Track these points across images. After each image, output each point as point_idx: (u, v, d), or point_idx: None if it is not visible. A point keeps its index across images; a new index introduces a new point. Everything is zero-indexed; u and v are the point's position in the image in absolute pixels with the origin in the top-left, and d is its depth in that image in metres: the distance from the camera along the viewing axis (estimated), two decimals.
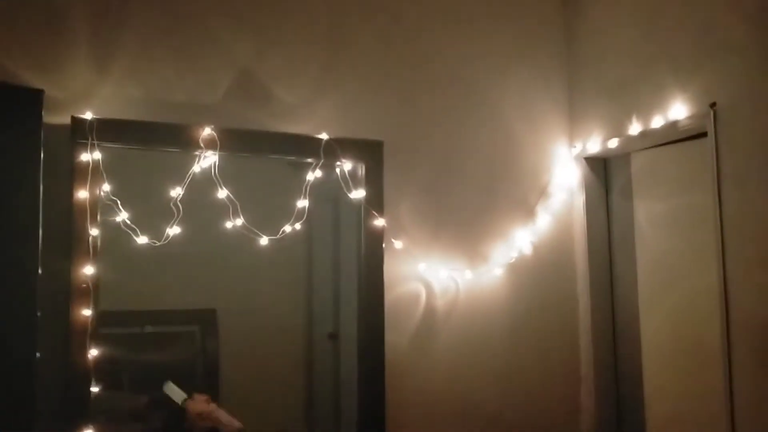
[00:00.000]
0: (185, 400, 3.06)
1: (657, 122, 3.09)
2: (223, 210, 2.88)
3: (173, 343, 3.40)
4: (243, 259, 3.23)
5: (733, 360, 2.85)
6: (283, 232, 2.98)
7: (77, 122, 2.63)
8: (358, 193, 3.10)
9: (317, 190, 3.16)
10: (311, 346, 3.53)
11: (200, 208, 2.89)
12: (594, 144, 3.46)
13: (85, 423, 2.58)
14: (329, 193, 3.17)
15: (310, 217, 3.42)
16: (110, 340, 3.12)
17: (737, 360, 2.82)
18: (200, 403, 3.06)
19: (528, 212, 3.51)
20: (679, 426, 3.15)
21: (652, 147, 3.29)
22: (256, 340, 3.37)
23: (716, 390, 2.93)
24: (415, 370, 3.24)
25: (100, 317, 2.85)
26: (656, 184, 3.34)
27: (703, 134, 2.90)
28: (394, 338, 3.18)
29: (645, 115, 3.16)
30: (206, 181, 2.86)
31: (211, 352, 3.36)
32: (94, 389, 2.62)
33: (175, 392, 3.09)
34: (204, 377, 3.27)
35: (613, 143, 3.34)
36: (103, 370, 3.06)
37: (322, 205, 3.34)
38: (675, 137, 3.12)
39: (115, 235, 2.75)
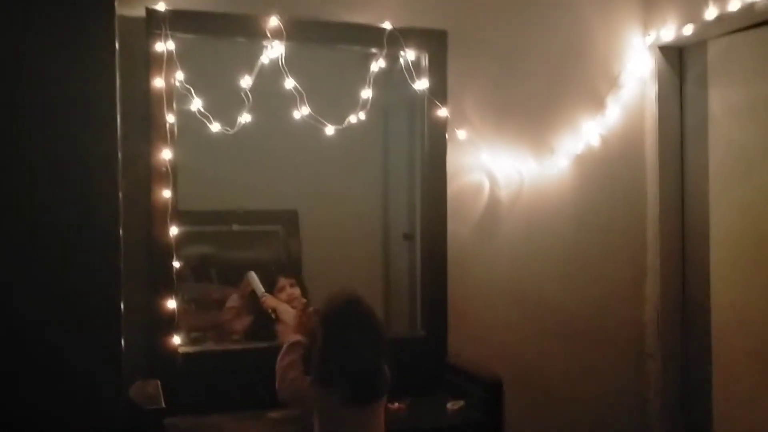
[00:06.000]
0: (264, 293, 3.19)
1: (734, 5, 2.96)
2: (291, 100, 2.96)
3: (258, 241, 3.58)
4: (321, 160, 3.35)
5: None
6: (348, 122, 3.06)
7: (151, 13, 2.76)
8: (422, 84, 3.12)
9: (395, 88, 3.18)
10: (387, 246, 3.64)
11: (270, 97, 2.96)
12: (668, 32, 3.33)
13: (169, 293, 2.78)
14: (407, 92, 3.16)
15: (387, 117, 3.47)
16: (200, 237, 3.36)
17: None
18: (272, 300, 3.19)
19: (597, 103, 3.44)
20: (743, 315, 3.13)
21: (728, 33, 3.16)
22: (336, 240, 3.52)
23: None
24: (477, 259, 3.29)
25: (192, 217, 3.05)
26: (733, 72, 3.21)
27: None
28: (457, 228, 3.23)
29: None
30: (276, 72, 2.93)
31: (294, 250, 3.54)
32: (176, 264, 2.81)
33: (257, 283, 3.23)
34: (287, 274, 3.38)
35: (689, 30, 3.21)
36: (194, 264, 3.31)
37: (399, 103, 3.36)
38: (752, 21, 3.00)
39: (190, 125, 2.87)
